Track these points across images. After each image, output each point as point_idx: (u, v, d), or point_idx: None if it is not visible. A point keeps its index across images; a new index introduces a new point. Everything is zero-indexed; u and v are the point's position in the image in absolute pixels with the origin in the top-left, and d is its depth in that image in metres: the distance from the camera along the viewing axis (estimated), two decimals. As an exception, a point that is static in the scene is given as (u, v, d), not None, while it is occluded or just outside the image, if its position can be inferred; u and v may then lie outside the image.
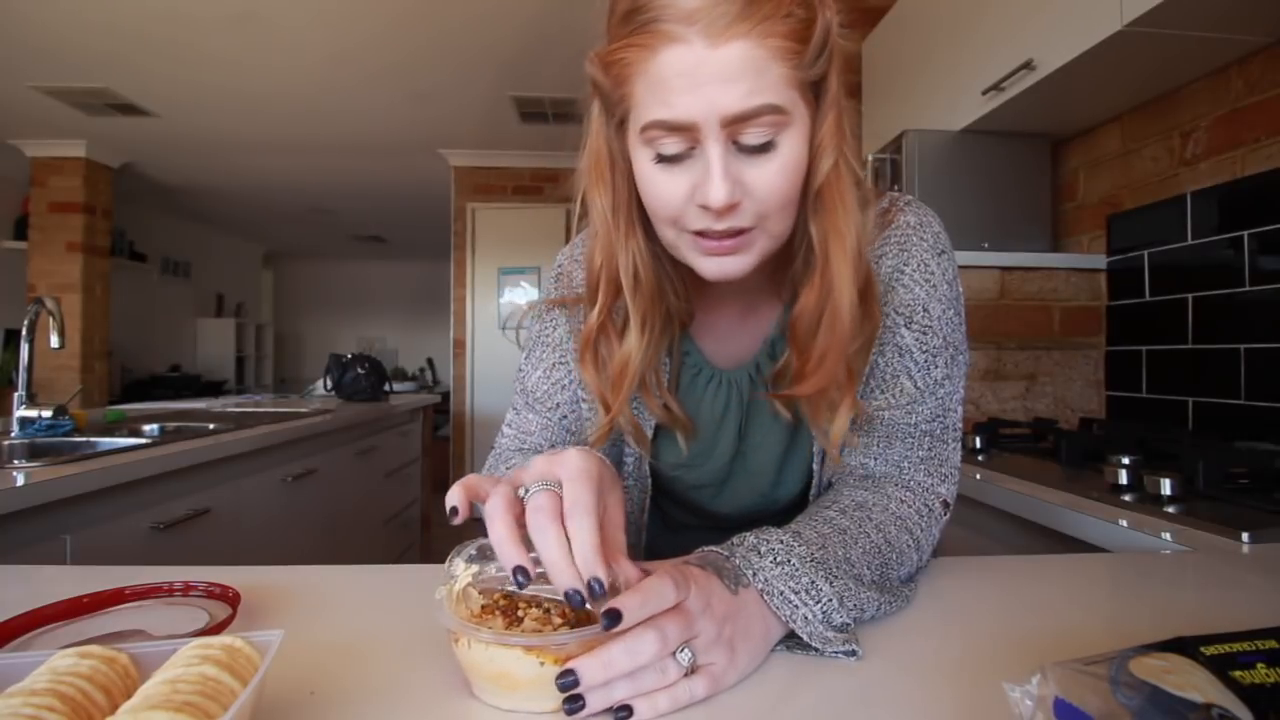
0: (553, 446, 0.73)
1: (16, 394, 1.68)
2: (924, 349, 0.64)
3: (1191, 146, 1.57)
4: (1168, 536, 0.83)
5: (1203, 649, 0.34)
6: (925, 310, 0.64)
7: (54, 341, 1.63)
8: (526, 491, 0.44)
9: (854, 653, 0.47)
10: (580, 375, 0.65)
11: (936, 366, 0.65)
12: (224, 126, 4.37)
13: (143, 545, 1.42)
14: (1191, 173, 1.57)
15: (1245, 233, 1.42)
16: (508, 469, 0.72)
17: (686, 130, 0.51)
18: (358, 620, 0.54)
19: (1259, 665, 0.32)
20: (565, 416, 0.73)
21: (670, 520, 0.79)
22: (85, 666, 0.36)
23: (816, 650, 0.48)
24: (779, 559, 0.49)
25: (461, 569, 0.47)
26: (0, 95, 3.87)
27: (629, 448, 0.71)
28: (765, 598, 0.48)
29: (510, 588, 0.44)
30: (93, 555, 1.27)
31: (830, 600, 0.48)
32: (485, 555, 0.48)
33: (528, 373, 0.75)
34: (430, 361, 8.62)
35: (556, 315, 0.73)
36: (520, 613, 0.44)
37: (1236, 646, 0.34)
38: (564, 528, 0.41)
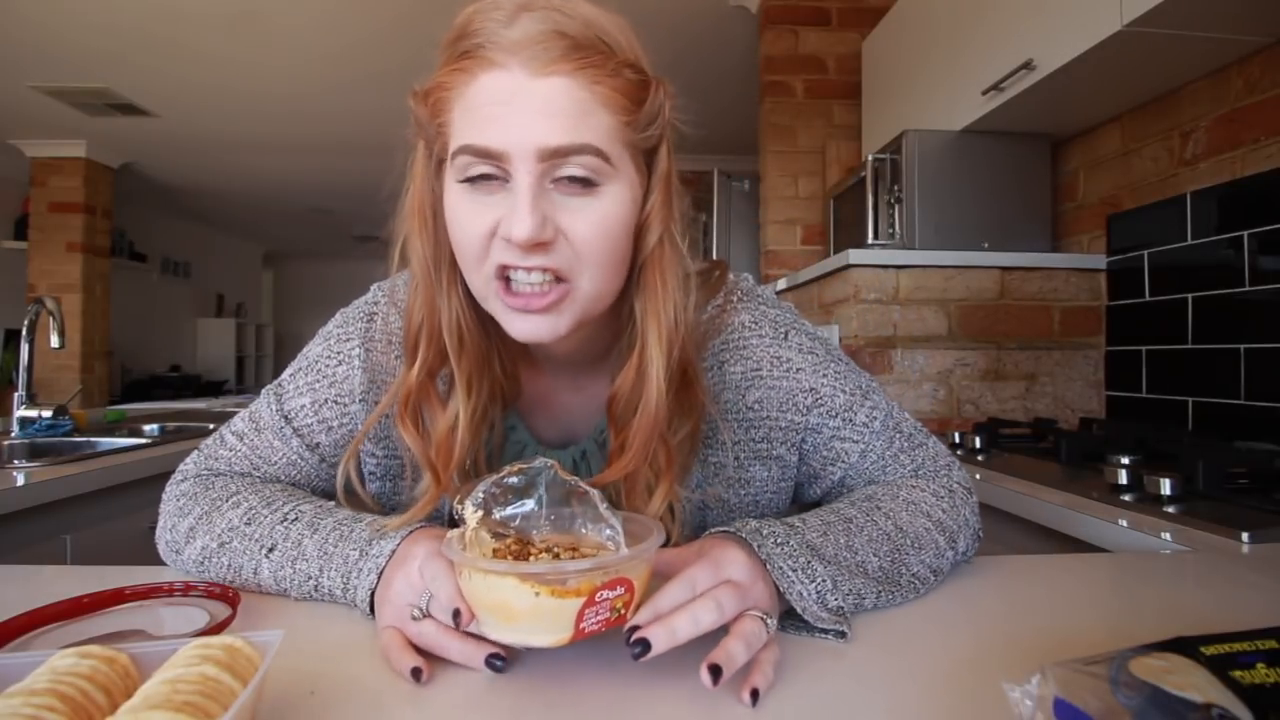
0: (292, 483, 0.68)
1: (17, 394, 1.68)
2: (835, 414, 0.66)
3: (1191, 146, 1.57)
4: (1168, 536, 0.83)
5: (1203, 649, 0.34)
6: (811, 391, 0.65)
7: (54, 341, 1.63)
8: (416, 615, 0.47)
9: (843, 634, 0.50)
10: (401, 437, 0.58)
11: (857, 416, 0.67)
12: (224, 126, 4.37)
13: (143, 545, 1.41)
14: (1191, 173, 1.57)
15: (1245, 233, 1.42)
16: (224, 493, 0.68)
17: (497, 159, 0.49)
18: (358, 620, 0.54)
19: (1259, 665, 0.32)
20: (324, 460, 0.67)
21: None
22: (85, 666, 0.35)
23: (808, 629, 0.50)
24: (779, 540, 0.51)
25: (471, 512, 0.48)
26: (0, 95, 3.87)
27: None
28: (767, 570, 0.50)
29: (524, 532, 0.48)
30: (93, 555, 1.27)
31: (824, 580, 0.50)
32: (494, 499, 0.49)
33: (291, 395, 0.68)
34: (430, 361, 8.61)
35: (352, 349, 0.67)
36: (531, 558, 0.45)
37: (1236, 646, 0.34)
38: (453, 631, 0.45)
